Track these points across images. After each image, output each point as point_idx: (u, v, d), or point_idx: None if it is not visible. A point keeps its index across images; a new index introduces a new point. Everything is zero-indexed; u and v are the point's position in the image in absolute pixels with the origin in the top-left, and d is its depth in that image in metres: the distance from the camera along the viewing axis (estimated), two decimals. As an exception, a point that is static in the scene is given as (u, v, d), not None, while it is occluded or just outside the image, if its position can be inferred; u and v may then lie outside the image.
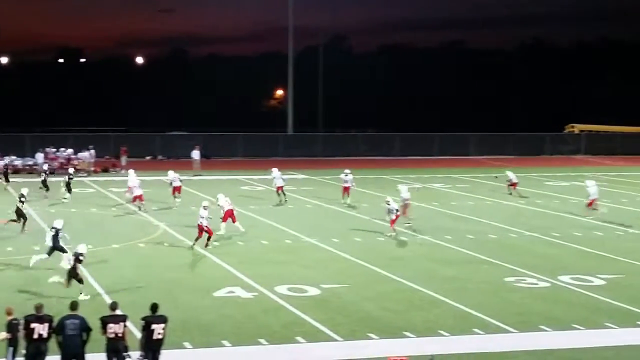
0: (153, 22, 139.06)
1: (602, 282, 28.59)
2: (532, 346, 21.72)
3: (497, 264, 31.30)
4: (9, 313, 18.05)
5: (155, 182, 52.71)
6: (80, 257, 25.86)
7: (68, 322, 17.79)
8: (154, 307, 18.38)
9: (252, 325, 23.06)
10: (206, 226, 32.87)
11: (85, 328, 17.87)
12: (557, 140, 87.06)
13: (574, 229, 39.35)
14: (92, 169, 60.57)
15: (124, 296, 24.41)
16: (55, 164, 59.65)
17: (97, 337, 18.19)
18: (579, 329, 23.24)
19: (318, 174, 60.37)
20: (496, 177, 55.56)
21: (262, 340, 21.77)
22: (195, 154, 61.38)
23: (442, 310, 24.91)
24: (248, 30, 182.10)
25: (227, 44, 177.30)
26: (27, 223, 36.94)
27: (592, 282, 28.63)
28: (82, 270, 26.22)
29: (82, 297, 25.02)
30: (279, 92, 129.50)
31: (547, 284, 28.29)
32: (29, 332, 17.62)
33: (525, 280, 28.81)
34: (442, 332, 22.72)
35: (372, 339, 22.17)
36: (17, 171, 58.69)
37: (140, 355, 18.02)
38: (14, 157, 60.35)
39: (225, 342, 21.60)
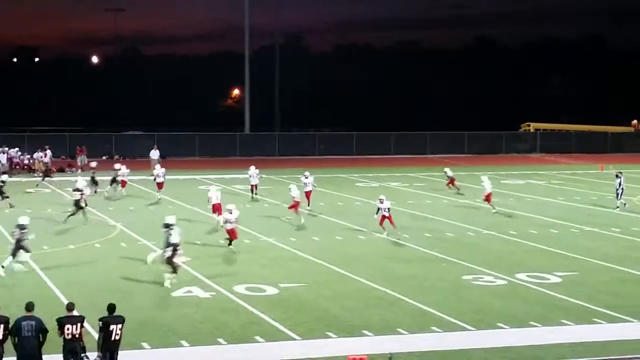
0: (107, 22, 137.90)
1: (558, 280, 28.80)
2: (489, 344, 21.82)
3: (455, 262, 31.43)
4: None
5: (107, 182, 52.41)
6: (178, 248, 27.14)
7: (24, 323, 17.59)
8: (111, 308, 18.24)
9: (210, 325, 22.98)
10: (231, 229, 32.60)
11: (42, 329, 17.68)
12: (513, 138, 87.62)
13: (530, 227, 39.62)
14: (51, 168, 59.96)
15: (80, 297, 24.22)
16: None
17: (54, 339, 18.03)
18: (535, 326, 23.39)
19: (275, 173, 60.32)
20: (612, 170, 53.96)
21: (220, 340, 21.71)
22: (154, 154, 61.06)
23: (400, 309, 24.97)
24: (202, 29, 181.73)
25: (181, 43, 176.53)
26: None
27: (548, 279, 28.84)
28: (179, 260, 27.42)
29: (167, 283, 26.74)
30: (236, 92, 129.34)
31: (504, 282, 28.45)
32: (-15, 334, 17.44)
33: (482, 278, 28.96)
34: (400, 330, 22.77)
35: (330, 337, 22.17)
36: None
37: (98, 356, 17.87)
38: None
39: (183, 342, 21.51)
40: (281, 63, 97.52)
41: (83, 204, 39.17)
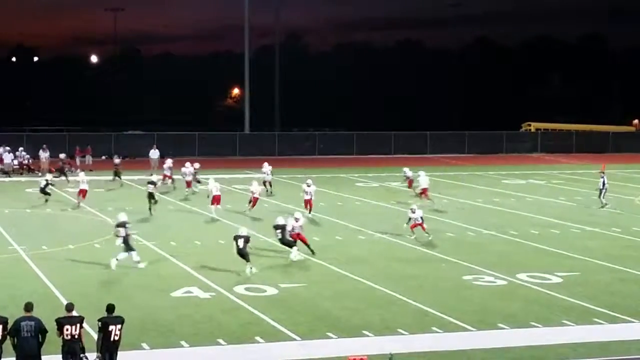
0: (106, 21, 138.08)
1: (559, 280, 28.76)
2: (490, 344, 21.78)
3: (455, 262, 31.38)
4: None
5: (110, 182, 52.43)
6: (249, 238, 29.26)
7: (23, 323, 17.54)
8: (111, 308, 18.19)
9: (210, 326, 22.92)
10: (297, 233, 32.14)
11: (41, 330, 17.63)
12: (514, 138, 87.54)
13: (530, 226, 39.57)
14: (49, 168, 59.83)
15: (80, 297, 24.17)
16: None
17: (53, 339, 17.97)
18: (536, 326, 23.34)
19: (275, 173, 60.16)
20: None
21: (220, 341, 21.65)
22: (153, 154, 60.99)
23: (400, 309, 24.92)
24: (202, 29, 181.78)
25: (181, 42, 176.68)
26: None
27: (549, 279, 28.79)
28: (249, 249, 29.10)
29: (248, 271, 28.59)
30: (235, 91, 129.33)
31: (505, 282, 28.41)
32: (-17, 334, 17.38)
33: (483, 278, 28.91)
34: (400, 330, 22.72)
35: (330, 338, 22.12)
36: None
37: (97, 357, 17.83)
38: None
39: (183, 343, 21.45)
40: (281, 62, 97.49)
41: (157, 197, 41.91)
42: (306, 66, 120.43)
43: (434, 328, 23.00)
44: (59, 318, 17.88)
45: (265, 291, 26.69)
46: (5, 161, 57.87)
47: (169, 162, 51.99)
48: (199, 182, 49.40)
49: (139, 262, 29.72)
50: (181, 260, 31.07)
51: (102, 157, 68.79)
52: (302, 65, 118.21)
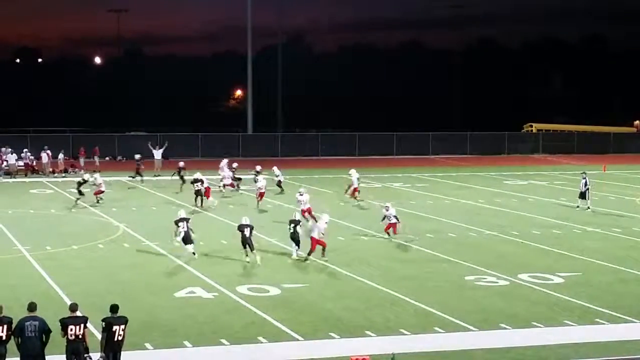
0: (110, 22, 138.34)
1: (561, 280, 28.82)
2: (492, 344, 21.85)
3: (457, 263, 31.45)
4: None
5: (115, 182, 52.54)
6: (253, 227, 31.18)
7: (27, 323, 17.63)
8: (114, 308, 18.28)
9: (213, 326, 23.01)
10: (319, 238, 31.77)
11: (45, 330, 17.72)
12: (515, 139, 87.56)
13: (532, 227, 39.62)
14: (50, 169, 59.98)
15: (83, 297, 24.25)
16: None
17: (57, 339, 18.07)
18: (538, 326, 23.41)
19: (278, 173, 60.29)
20: None
21: (223, 341, 21.74)
22: (157, 154, 61.08)
23: (402, 309, 24.99)
24: (205, 29, 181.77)
25: (184, 43, 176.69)
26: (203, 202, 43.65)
27: (551, 280, 28.86)
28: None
29: (257, 258, 30.41)
30: (238, 92, 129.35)
31: (507, 282, 28.48)
32: (-12, 334, 17.48)
33: (485, 278, 28.98)
34: (403, 330, 22.80)
35: (333, 338, 22.20)
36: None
37: (101, 357, 17.92)
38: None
39: (186, 343, 21.54)
40: (284, 63, 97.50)
41: (203, 193, 43.96)
42: (309, 67, 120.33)
43: (436, 328, 23.07)
44: (63, 318, 17.97)
45: (268, 291, 26.77)
46: (9, 162, 57.92)
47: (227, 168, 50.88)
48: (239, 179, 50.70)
49: (194, 253, 31.37)
50: (184, 260, 31.14)
51: (106, 158, 68.89)
52: (304, 66, 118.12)
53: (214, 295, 26.22)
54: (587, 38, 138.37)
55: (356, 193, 46.13)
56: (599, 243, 36.17)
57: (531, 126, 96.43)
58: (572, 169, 68.10)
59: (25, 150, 60.93)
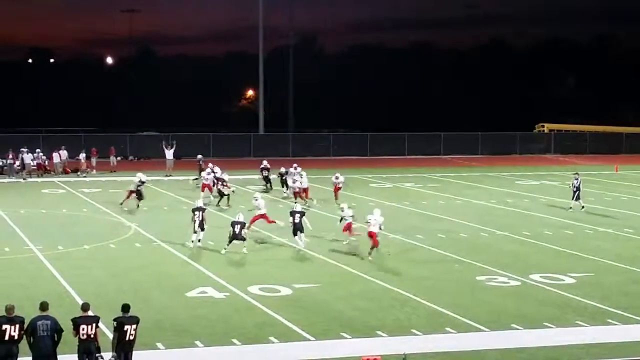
0: (122, 22, 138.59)
1: (573, 281, 28.77)
2: (503, 345, 21.83)
3: (469, 263, 31.42)
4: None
5: (126, 182, 52.54)
6: (245, 224, 32.57)
7: (39, 323, 17.67)
8: (126, 308, 18.32)
9: (224, 326, 23.03)
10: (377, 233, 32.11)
11: (57, 329, 17.77)
12: (527, 139, 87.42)
13: (544, 227, 39.56)
14: (61, 169, 60.11)
15: (95, 297, 24.33)
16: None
17: (68, 339, 18.11)
18: (549, 327, 23.38)
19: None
20: None
21: (235, 341, 21.76)
22: (169, 154, 61.20)
23: (414, 310, 24.98)
24: (217, 30, 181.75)
25: (195, 43, 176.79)
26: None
27: (562, 280, 28.81)
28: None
29: (244, 250, 32.17)
30: (250, 92, 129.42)
31: (518, 283, 28.44)
32: (0, 333, 17.49)
33: (496, 279, 28.94)
34: (414, 331, 22.79)
35: (344, 338, 22.20)
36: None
37: (112, 356, 17.97)
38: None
39: (198, 343, 21.56)
40: (295, 63, 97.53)
41: (228, 191, 45.27)
42: (320, 67, 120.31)
43: (448, 328, 23.06)
44: (75, 318, 18.02)
45: (280, 291, 26.79)
46: (25, 162, 58.02)
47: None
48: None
49: (200, 241, 33.23)
50: (195, 260, 31.21)
51: (118, 157, 69.03)
52: (316, 66, 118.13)
53: (225, 295, 26.25)
54: (599, 38, 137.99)
55: (304, 195, 46.05)
56: (611, 243, 36.09)
57: (543, 126, 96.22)
58: (584, 169, 68.00)
59: (37, 150, 61.06)
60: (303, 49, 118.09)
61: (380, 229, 32.19)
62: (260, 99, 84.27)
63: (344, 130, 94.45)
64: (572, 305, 25.63)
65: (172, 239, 34.75)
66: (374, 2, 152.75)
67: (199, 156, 56.40)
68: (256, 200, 37.94)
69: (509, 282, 28.50)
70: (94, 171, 60.03)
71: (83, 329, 17.78)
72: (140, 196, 43.56)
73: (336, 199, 45.27)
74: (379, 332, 22.64)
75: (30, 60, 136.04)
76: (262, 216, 36.64)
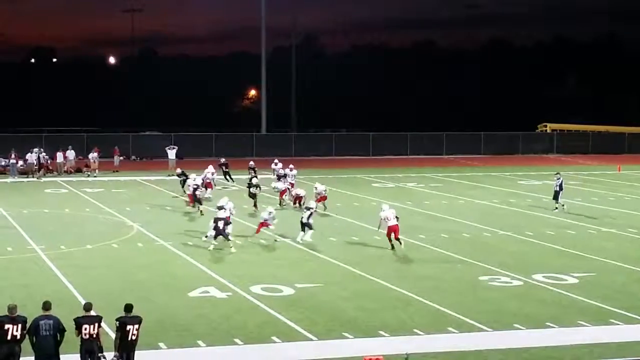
0: (124, 22, 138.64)
1: (575, 281, 28.75)
2: (506, 345, 21.81)
3: (471, 263, 31.40)
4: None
5: (130, 182, 52.63)
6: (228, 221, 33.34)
7: (42, 322, 17.67)
8: (128, 308, 18.32)
9: (227, 325, 23.04)
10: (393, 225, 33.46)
11: (60, 329, 17.76)
12: (530, 139, 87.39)
13: (546, 227, 39.54)
14: (65, 169, 60.16)
15: (98, 297, 24.30)
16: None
17: (71, 338, 18.11)
18: (552, 327, 23.36)
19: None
20: None
21: (237, 340, 21.76)
22: (172, 154, 61.25)
23: (416, 309, 24.98)
24: (219, 30, 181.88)
25: (198, 43, 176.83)
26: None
27: (565, 280, 28.80)
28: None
29: (210, 245, 32.80)
30: (252, 92, 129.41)
31: (521, 283, 28.42)
32: (2, 333, 17.49)
33: (499, 279, 28.93)
34: (417, 331, 22.78)
35: (347, 338, 22.20)
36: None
37: (115, 356, 17.95)
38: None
39: (200, 342, 21.57)
40: (297, 63, 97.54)
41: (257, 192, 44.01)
42: (322, 67, 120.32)
43: (450, 328, 23.05)
44: (77, 317, 18.01)
45: (282, 291, 26.79)
46: (28, 161, 58.07)
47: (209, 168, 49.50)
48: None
49: (208, 238, 33.28)
50: (198, 260, 31.21)
51: (120, 157, 69.01)
52: (318, 66, 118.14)
53: (227, 295, 26.25)
54: (601, 38, 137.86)
55: (283, 196, 45.24)
56: (613, 243, 36.07)
57: (545, 126, 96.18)
58: (587, 169, 68.00)
59: (41, 149, 61.07)
60: (305, 49, 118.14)
61: (397, 219, 33.61)
62: (263, 99, 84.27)
63: (346, 130, 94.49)
64: (574, 305, 25.61)
65: (174, 239, 34.76)
66: (376, 2, 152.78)
67: (222, 159, 55.65)
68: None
69: (511, 282, 28.49)
70: (97, 171, 60.00)
71: (85, 329, 17.78)
72: (199, 201, 42.64)
73: (325, 208, 42.99)
74: (382, 332, 22.63)
75: (32, 60, 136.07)
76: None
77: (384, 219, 33.67)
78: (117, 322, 18.05)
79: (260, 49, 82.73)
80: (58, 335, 17.74)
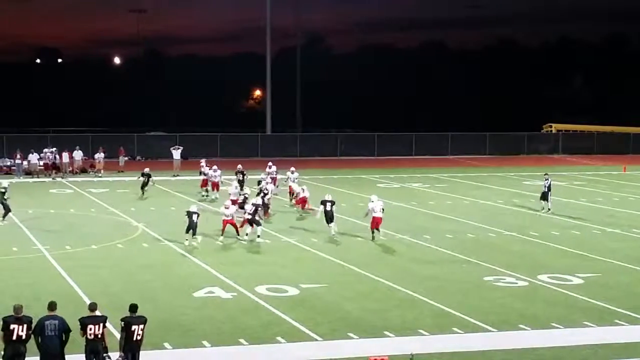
0: (129, 23, 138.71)
1: (580, 281, 28.73)
2: (511, 345, 21.80)
3: (476, 263, 31.39)
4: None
5: (133, 182, 52.59)
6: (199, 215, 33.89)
7: (47, 322, 17.69)
8: (133, 308, 18.33)
9: (232, 326, 23.05)
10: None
11: (65, 329, 17.78)
12: (535, 139, 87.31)
13: (551, 228, 39.51)
14: (70, 169, 60.18)
15: (103, 297, 24.33)
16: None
17: (76, 338, 18.13)
18: (557, 327, 23.35)
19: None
20: None
21: (242, 341, 21.77)
22: (176, 154, 61.31)
23: (421, 310, 24.97)
24: (224, 30, 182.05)
25: (203, 44, 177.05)
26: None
27: (570, 281, 28.77)
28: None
29: (195, 243, 33.34)
30: (257, 93, 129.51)
31: (526, 283, 28.41)
32: (8, 333, 17.52)
33: (504, 279, 28.91)
34: (421, 331, 22.78)
35: (351, 338, 22.20)
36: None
37: (120, 356, 17.97)
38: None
39: (205, 343, 21.58)
40: (303, 64, 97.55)
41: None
42: (328, 67, 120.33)
43: (455, 329, 23.05)
44: (82, 318, 18.03)
45: (287, 292, 26.79)
46: (31, 162, 58.17)
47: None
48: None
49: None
50: (203, 260, 31.22)
51: (125, 158, 69.05)
52: (323, 66, 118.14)
53: (232, 295, 26.26)
54: (607, 38, 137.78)
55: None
56: (619, 244, 36.03)
57: (550, 126, 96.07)
58: (592, 170, 67.93)
59: (45, 150, 61.13)
60: (310, 49, 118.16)
61: (382, 211, 35.15)
62: (268, 99, 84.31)
63: (351, 130, 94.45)
64: (579, 306, 25.59)
65: (179, 239, 34.74)
66: (382, 3, 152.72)
67: (239, 167, 53.60)
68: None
69: (516, 283, 28.47)
70: (102, 171, 60.06)
71: (90, 329, 17.80)
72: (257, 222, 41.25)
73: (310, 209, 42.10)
74: (386, 332, 22.63)
75: (38, 60, 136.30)
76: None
77: (371, 209, 35.18)
78: (122, 322, 18.08)
79: (265, 49, 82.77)
80: (63, 335, 17.76)
